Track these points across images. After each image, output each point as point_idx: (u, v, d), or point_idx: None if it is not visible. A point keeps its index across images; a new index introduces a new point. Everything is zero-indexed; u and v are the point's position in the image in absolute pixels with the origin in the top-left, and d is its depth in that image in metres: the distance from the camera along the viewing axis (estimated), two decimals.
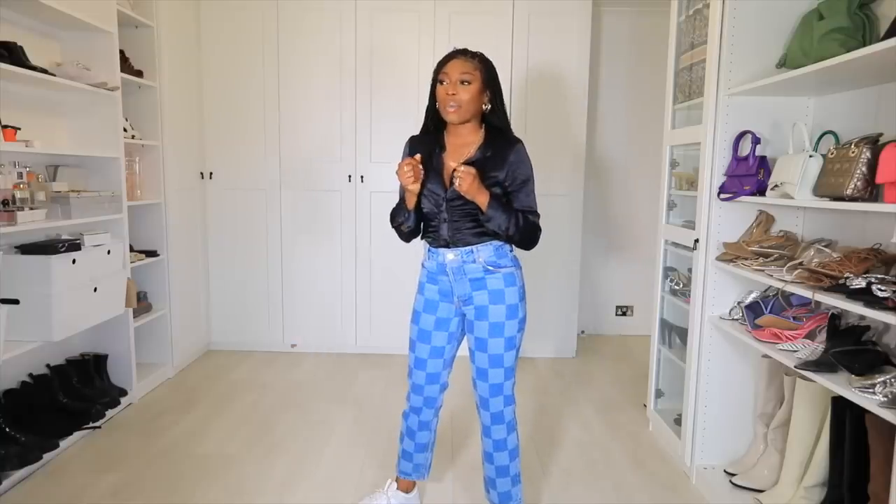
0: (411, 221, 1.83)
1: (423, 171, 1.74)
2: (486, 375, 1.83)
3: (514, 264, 1.83)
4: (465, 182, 1.64)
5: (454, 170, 1.70)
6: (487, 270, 1.78)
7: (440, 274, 1.83)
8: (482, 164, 1.73)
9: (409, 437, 2.00)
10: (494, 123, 1.81)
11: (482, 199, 1.69)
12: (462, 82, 1.70)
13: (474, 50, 1.78)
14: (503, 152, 1.75)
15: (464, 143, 1.80)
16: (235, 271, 3.79)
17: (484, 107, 1.77)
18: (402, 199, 1.83)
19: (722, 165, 2.18)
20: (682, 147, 2.57)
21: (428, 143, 1.83)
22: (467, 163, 1.74)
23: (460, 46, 1.80)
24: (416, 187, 1.73)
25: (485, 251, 1.78)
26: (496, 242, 1.79)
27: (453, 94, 1.70)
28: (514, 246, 1.83)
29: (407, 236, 1.90)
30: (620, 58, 4.12)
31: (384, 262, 3.73)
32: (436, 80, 1.76)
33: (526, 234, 1.76)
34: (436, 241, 1.82)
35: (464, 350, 1.91)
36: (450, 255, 1.79)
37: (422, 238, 1.90)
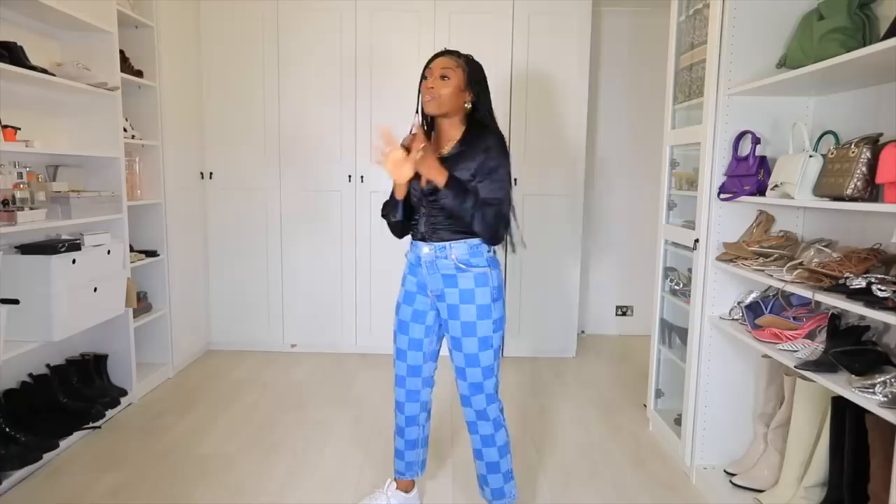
0: (399, 213, 1.83)
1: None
2: (465, 374, 1.85)
3: (490, 264, 1.81)
4: (422, 163, 1.64)
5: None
6: (459, 268, 1.78)
7: (417, 266, 1.87)
8: (457, 158, 1.75)
9: (399, 435, 2.02)
10: (477, 121, 1.83)
11: (440, 178, 1.67)
12: (442, 77, 1.74)
13: (467, 52, 1.83)
14: (478, 144, 1.75)
15: (446, 139, 1.83)
16: (235, 271, 3.79)
17: (466, 105, 1.79)
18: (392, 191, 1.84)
19: (722, 165, 2.18)
20: (682, 147, 2.57)
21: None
22: (446, 157, 1.77)
23: (452, 48, 1.86)
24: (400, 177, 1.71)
25: (458, 248, 1.78)
26: (472, 241, 1.78)
27: (431, 87, 1.74)
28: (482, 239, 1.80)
29: (398, 230, 1.91)
30: (620, 58, 4.13)
31: (384, 262, 3.73)
32: (421, 78, 1.81)
33: (487, 219, 1.69)
34: (415, 234, 1.86)
35: None
36: (425, 249, 1.82)
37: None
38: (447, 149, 1.80)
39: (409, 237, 1.94)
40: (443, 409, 2.89)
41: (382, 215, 1.92)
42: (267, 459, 2.44)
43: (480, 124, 1.82)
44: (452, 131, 1.82)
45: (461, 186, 1.71)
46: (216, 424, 2.76)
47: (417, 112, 1.83)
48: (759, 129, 2.09)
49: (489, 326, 1.80)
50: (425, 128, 1.88)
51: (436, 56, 1.80)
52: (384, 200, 1.91)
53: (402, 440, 2.02)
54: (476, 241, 1.80)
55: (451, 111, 1.78)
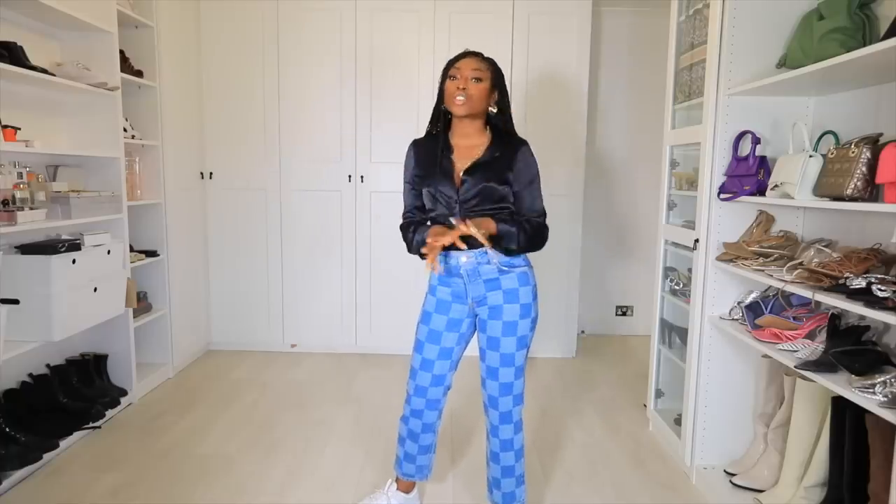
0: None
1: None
2: (497, 374, 1.83)
3: (527, 263, 1.84)
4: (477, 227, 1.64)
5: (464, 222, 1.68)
6: (502, 270, 1.78)
7: (453, 276, 1.83)
8: (492, 165, 1.75)
9: (413, 440, 1.98)
10: (500, 126, 1.83)
11: (491, 229, 1.68)
12: (473, 79, 1.73)
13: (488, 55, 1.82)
14: (511, 153, 1.76)
15: (471, 144, 1.81)
16: (235, 271, 3.79)
17: (491, 109, 1.80)
18: (413, 232, 1.83)
19: (722, 165, 2.18)
20: (682, 147, 2.57)
21: (432, 146, 1.84)
22: (477, 163, 1.76)
23: (468, 48, 1.83)
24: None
25: (498, 252, 1.78)
26: None
27: (463, 88, 1.72)
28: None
29: None
30: (620, 58, 4.12)
31: (384, 262, 3.73)
32: (445, 78, 1.77)
33: (534, 239, 1.76)
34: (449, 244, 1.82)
35: (470, 350, 1.91)
36: (463, 258, 1.79)
37: None
38: (476, 155, 1.78)
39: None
40: (444, 410, 2.88)
41: (405, 238, 1.88)
42: (267, 459, 2.44)
43: (502, 129, 1.82)
44: (476, 135, 1.81)
45: (503, 221, 1.72)
46: (216, 424, 2.76)
47: (438, 111, 1.82)
48: (759, 129, 2.09)
49: (528, 325, 1.81)
50: (434, 131, 1.86)
51: (461, 56, 1.78)
52: (404, 223, 1.89)
53: (416, 445, 1.98)
54: None
55: (479, 113, 1.78)
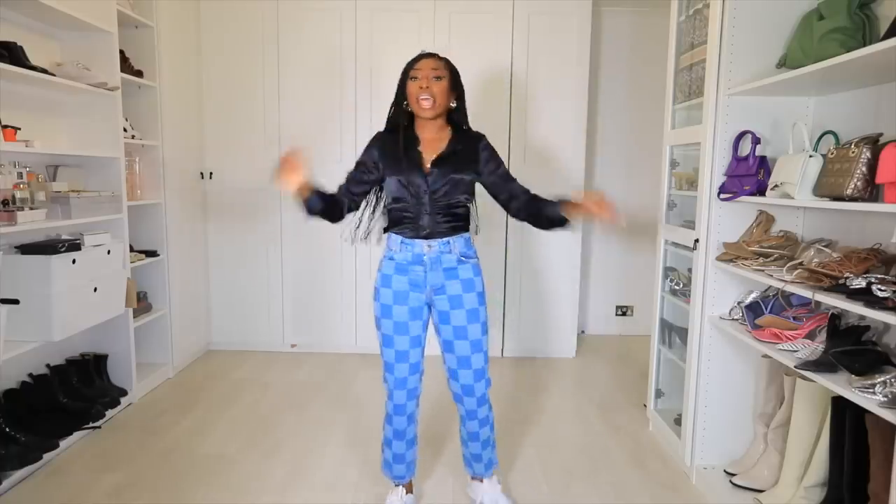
0: (319, 205, 1.95)
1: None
2: (469, 362, 1.91)
3: (477, 256, 1.97)
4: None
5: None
6: (461, 261, 1.89)
7: (414, 264, 1.89)
8: (455, 157, 1.86)
9: (399, 439, 2.02)
10: (456, 121, 1.93)
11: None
12: (434, 77, 1.82)
13: (445, 55, 1.92)
14: (472, 146, 1.90)
15: (434, 138, 1.89)
16: (235, 271, 3.79)
17: (451, 104, 1.88)
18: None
19: (722, 165, 2.18)
20: (682, 147, 2.57)
21: (398, 139, 1.89)
22: (441, 156, 1.85)
23: (447, 49, 1.98)
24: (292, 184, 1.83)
25: (458, 243, 1.89)
26: (466, 235, 1.92)
27: (427, 87, 1.81)
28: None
29: (334, 216, 2.04)
30: (620, 58, 4.12)
31: None
32: (405, 79, 1.86)
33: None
34: (413, 232, 1.87)
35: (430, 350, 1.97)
36: (426, 247, 1.87)
37: (390, 231, 1.97)
38: (440, 148, 1.87)
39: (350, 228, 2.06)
40: (434, 406, 2.88)
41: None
42: (267, 460, 2.44)
43: (460, 124, 1.93)
44: (439, 131, 1.90)
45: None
46: (216, 425, 2.76)
47: (399, 110, 1.90)
48: (759, 129, 2.09)
49: (484, 312, 1.93)
50: (402, 124, 1.91)
51: (419, 58, 1.86)
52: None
53: (402, 442, 2.02)
54: (468, 234, 1.93)
55: (441, 112, 1.86)
